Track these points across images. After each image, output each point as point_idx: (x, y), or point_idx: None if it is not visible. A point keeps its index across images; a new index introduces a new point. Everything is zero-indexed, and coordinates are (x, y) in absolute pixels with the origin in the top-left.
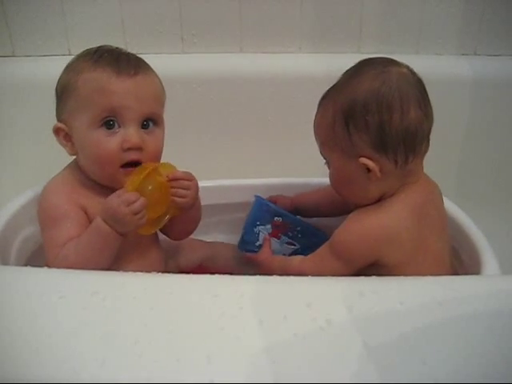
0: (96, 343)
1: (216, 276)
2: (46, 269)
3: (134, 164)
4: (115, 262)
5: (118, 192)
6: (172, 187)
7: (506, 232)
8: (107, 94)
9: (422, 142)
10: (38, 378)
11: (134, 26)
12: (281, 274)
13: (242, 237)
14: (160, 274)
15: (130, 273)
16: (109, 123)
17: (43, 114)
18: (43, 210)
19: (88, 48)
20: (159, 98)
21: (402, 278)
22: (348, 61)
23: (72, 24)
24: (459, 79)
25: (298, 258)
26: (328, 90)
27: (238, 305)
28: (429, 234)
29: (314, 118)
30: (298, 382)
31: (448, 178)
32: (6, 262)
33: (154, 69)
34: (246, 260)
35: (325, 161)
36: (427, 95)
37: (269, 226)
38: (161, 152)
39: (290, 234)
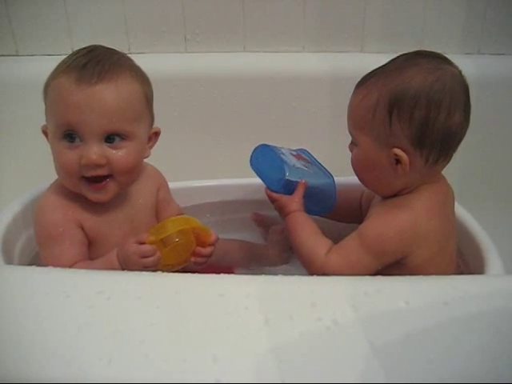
0: (102, 343)
1: (222, 275)
2: (51, 268)
3: (99, 179)
4: None
5: (140, 237)
6: (195, 255)
7: (506, 232)
8: (64, 107)
9: (456, 146)
10: (44, 377)
11: (138, 26)
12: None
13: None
14: (165, 273)
15: (136, 272)
16: (70, 136)
17: None
18: (42, 227)
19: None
20: (127, 111)
21: (407, 277)
22: (351, 60)
23: (75, 23)
24: None
25: (326, 244)
26: (373, 73)
27: (243, 304)
28: (447, 234)
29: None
30: (304, 382)
31: (449, 177)
32: (9, 262)
33: (157, 68)
34: (274, 201)
35: (351, 142)
36: (470, 102)
37: (294, 152)
38: (132, 166)
39: (305, 164)
